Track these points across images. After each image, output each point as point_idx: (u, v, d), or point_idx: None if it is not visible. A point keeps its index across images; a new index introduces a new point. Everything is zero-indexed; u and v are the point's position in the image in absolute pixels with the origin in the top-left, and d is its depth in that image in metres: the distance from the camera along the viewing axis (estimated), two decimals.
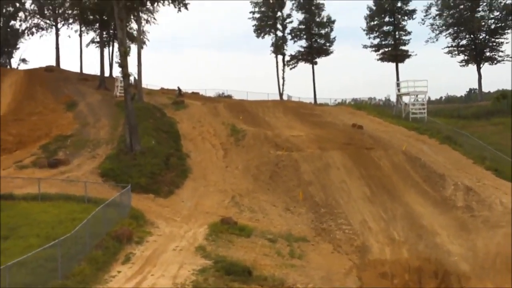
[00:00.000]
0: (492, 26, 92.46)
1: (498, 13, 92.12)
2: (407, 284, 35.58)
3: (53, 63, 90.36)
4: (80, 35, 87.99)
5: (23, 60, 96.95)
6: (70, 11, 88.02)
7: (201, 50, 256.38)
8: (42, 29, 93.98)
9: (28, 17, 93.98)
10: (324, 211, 44.77)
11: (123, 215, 35.92)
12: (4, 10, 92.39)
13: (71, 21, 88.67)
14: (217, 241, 34.47)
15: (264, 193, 47.89)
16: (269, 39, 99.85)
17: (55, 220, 32.46)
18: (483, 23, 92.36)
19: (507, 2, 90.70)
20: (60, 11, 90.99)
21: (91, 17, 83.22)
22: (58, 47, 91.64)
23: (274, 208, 45.05)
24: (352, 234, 41.03)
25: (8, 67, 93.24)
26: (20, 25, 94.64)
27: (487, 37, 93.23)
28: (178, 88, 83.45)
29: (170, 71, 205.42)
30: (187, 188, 48.16)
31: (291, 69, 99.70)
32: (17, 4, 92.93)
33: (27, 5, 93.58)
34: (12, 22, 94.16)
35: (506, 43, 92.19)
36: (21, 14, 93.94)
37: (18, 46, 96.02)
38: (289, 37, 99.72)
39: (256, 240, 36.52)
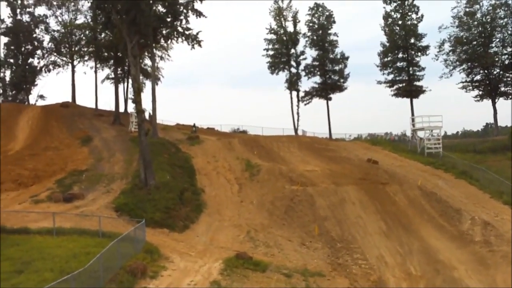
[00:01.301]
0: (506, 62, 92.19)
1: (511, 49, 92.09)
2: None
3: (69, 99, 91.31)
4: (95, 72, 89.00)
5: (41, 97, 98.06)
6: (85, 49, 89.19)
7: (217, 87, 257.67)
8: (59, 66, 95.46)
9: (46, 55, 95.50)
10: (340, 246, 44.43)
11: (138, 250, 35.61)
12: (23, 49, 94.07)
13: (86, 58, 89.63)
14: (232, 276, 34.08)
15: (279, 228, 47.57)
16: (283, 75, 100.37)
17: (69, 254, 32.22)
18: (496, 59, 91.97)
19: None
20: (76, 48, 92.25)
21: (105, 54, 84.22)
22: (74, 84, 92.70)
23: (289, 243, 44.69)
24: (368, 268, 40.67)
25: (26, 103, 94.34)
26: (38, 63, 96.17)
27: (501, 72, 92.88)
28: (194, 124, 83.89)
29: (185, 107, 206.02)
30: (202, 223, 47.94)
31: (305, 104, 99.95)
32: (35, 43, 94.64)
33: (45, 43, 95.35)
34: (30, 60, 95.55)
35: None
36: (39, 52, 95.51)
37: (36, 83, 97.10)
38: (303, 73, 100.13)
39: (271, 275, 36.12)
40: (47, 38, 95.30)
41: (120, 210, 45.88)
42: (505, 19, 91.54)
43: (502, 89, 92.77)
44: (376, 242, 45.26)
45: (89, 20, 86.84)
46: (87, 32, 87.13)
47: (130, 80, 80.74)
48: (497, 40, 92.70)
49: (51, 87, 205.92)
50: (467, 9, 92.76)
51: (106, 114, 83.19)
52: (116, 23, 54.98)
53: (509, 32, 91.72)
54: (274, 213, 50.20)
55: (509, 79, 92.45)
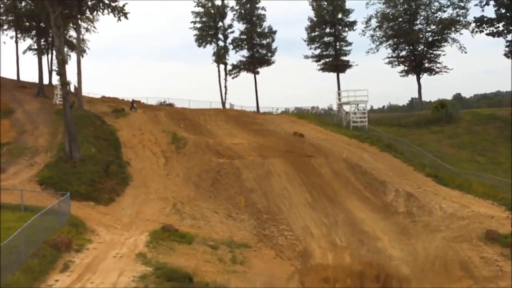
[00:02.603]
0: (430, 39, 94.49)
1: (434, 27, 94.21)
2: None
3: None
4: (16, 42, 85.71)
5: None
6: (4, 17, 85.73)
7: (144, 59, 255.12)
8: None
9: None
10: (266, 217, 44.79)
11: (62, 223, 34.95)
12: None
13: (5, 27, 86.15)
14: (157, 248, 33.98)
15: (205, 200, 47.56)
16: (210, 48, 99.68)
17: None
18: (421, 36, 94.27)
19: (443, 17, 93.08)
20: None
21: (27, 23, 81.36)
22: None
23: (216, 215, 44.76)
24: (294, 239, 41.15)
25: None
26: None
27: (425, 49, 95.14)
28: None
29: (112, 79, 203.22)
30: (127, 196, 47.45)
31: (233, 78, 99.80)
32: None
33: None
34: None
35: (443, 55, 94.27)
36: None
37: None
38: (230, 47, 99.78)
39: (197, 247, 36.15)
40: None
41: (44, 183, 44.77)
42: None
43: (426, 65, 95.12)
44: (301, 213, 45.81)
45: None
46: None
47: (54, 52, 78.69)
48: (422, 17, 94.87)
49: None
50: None
51: (29, 86, 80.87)
52: None
53: (433, 10, 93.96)
54: (200, 186, 50.13)
55: (432, 55, 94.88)
